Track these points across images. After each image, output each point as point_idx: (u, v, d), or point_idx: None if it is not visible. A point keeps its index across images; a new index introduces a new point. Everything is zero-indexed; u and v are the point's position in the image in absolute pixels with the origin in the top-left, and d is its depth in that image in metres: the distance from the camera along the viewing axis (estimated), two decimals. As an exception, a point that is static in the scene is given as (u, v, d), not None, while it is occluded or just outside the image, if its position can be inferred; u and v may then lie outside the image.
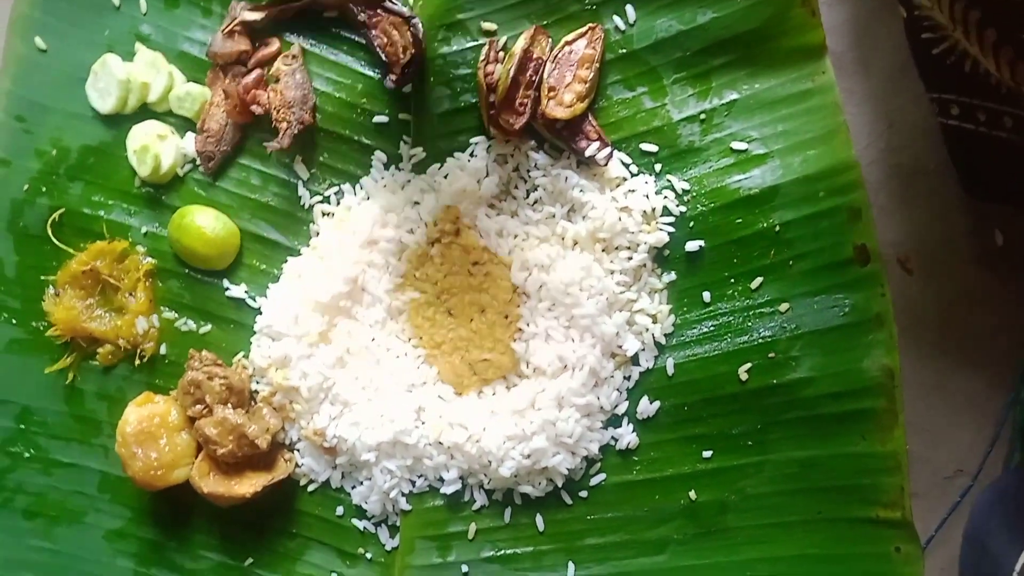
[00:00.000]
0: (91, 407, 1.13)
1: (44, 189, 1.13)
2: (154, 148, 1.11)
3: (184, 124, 1.13)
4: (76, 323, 1.12)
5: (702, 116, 1.06)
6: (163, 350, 1.13)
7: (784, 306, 1.01)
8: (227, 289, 1.13)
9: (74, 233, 1.13)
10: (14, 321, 1.13)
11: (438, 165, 1.09)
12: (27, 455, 1.11)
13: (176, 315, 1.13)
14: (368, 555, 1.09)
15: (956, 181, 1.06)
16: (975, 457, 1.04)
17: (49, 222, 1.12)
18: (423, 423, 1.06)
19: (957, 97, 1.00)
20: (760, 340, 1.01)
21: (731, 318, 1.03)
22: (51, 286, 1.13)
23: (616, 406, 1.05)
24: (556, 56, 1.06)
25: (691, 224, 1.06)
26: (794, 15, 1.02)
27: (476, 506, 1.07)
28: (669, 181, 1.06)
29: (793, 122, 1.03)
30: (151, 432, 1.06)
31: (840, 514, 0.98)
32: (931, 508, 0.97)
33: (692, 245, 1.05)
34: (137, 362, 1.12)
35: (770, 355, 1.01)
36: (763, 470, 1.01)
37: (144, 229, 1.13)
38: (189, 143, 1.12)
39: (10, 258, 1.13)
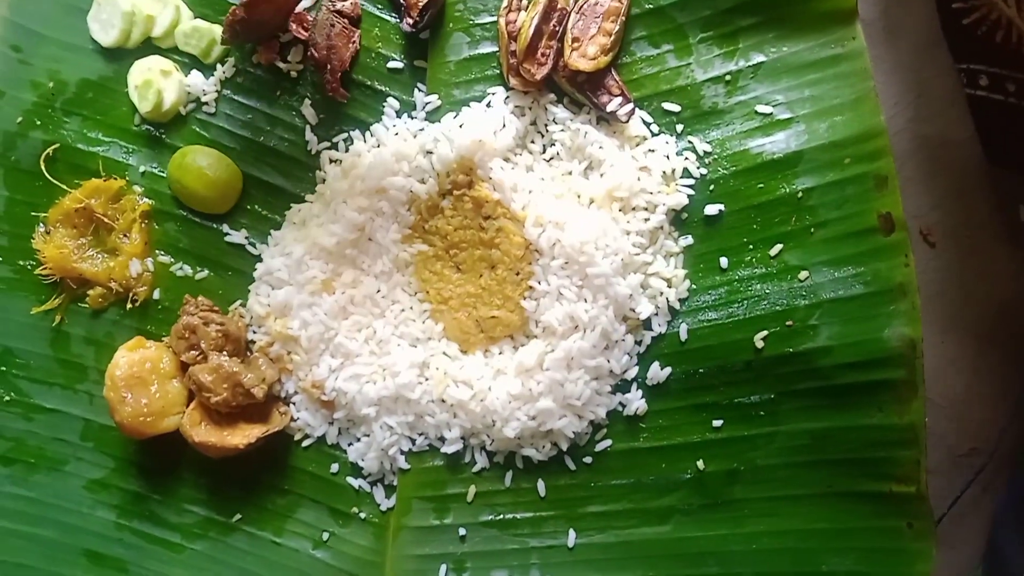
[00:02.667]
0: (77, 351, 1.08)
1: (38, 122, 1.09)
2: (157, 84, 1.06)
3: (190, 61, 1.09)
4: (66, 263, 1.07)
5: (727, 77, 1.03)
6: (156, 295, 1.08)
7: (804, 274, 0.98)
8: (227, 234, 1.08)
9: (68, 170, 1.08)
10: (1, 258, 1.08)
11: (453, 114, 1.06)
12: (7, 398, 1.06)
13: (172, 259, 1.09)
14: (362, 515, 1.06)
15: (982, 155, 1.04)
16: (991, 435, 1.02)
17: (43, 157, 1.08)
18: (426, 379, 1.02)
19: (987, 67, 0.98)
20: (778, 308, 0.99)
21: (748, 285, 1.01)
22: (42, 223, 1.08)
23: (626, 371, 1.02)
24: (581, 7, 1.03)
25: (711, 187, 1.03)
26: (826, -22, 0.99)
27: (476, 468, 1.04)
28: (690, 142, 1.04)
29: (820, 87, 1.00)
30: (142, 377, 1.01)
31: (851, 488, 0.96)
32: (944, 486, 0.95)
33: (711, 209, 1.02)
34: (128, 306, 1.08)
35: (787, 323, 0.98)
36: (774, 441, 0.98)
37: (142, 168, 1.09)
38: (194, 80, 1.07)
39: (0, 193, 1.08)
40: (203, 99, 1.08)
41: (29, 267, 1.08)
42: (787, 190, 1.00)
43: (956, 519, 1.00)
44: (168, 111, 1.07)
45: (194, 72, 1.08)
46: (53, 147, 1.08)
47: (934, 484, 0.93)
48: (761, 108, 1.02)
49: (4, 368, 1.07)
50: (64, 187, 1.08)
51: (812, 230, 0.99)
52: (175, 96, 1.06)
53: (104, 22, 1.08)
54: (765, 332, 0.98)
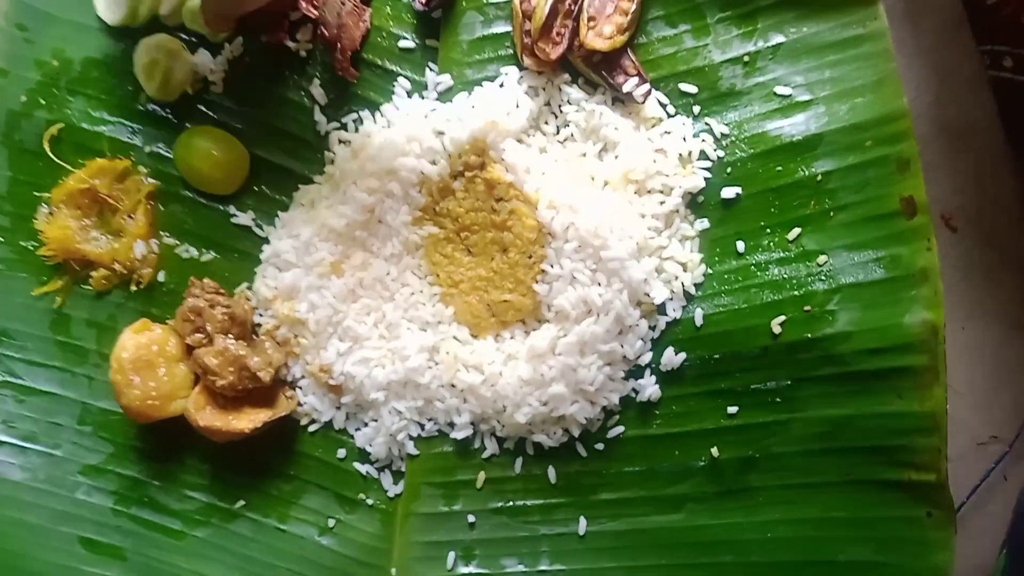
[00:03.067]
0: (78, 334, 1.06)
1: (43, 101, 1.07)
2: (164, 63, 1.04)
3: (197, 40, 1.07)
4: (69, 244, 1.06)
5: (745, 58, 1.01)
6: (161, 277, 1.06)
7: (822, 258, 0.96)
8: (233, 216, 1.07)
9: (72, 149, 1.07)
10: (2, 239, 1.06)
11: (466, 94, 1.04)
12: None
13: (177, 241, 1.07)
14: (369, 501, 1.04)
15: (1004, 140, 1.02)
16: (1012, 424, 1.00)
17: (47, 136, 1.06)
18: (436, 364, 1.00)
19: (1011, 49, 0.96)
20: (795, 293, 0.97)
21: (766, 269, 0.99)
22: (45, 204, 1.06)
23: (639, 356, 1.00)
24: (597, -15, 1.00)
25: (728, 170, 1.01)
26: (848, -43, 0.97)
27: (486, 454, 1.02)
28: (707, 124, 1.02)
29: (841, 68, 0.98)
30: (149, 360, 0.99)
31: (870, 476, 0.94)
32: (963, 474, 0.93)
33: (728, 192, 1.00)
34: (133, 288, 1.06)
35: (805, 308, 0.96)
36: (791, 428, 0.96)
37: (148, 149, 1.07)
38: (201, 59, 1.05)
39: (3, 172, 1.06)
40: (210, 79, 1.06)
41: (31, 248, 1.06)
42: (806, 173, 0.98)
43: (976, 507, 0.98)
44: (174, 90, 1.05)
45: (201, 51, 1.06)
46: (57, 127, 1.06)
47: (953, 472, 0.91)
48: (780, 89, 1.00)
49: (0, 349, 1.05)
50: (68, 167, 1.06)
51: (831, 214, 0.97)
52: (182, 76, 1.04)
53: (110, 0, 1.06)
54: (783, 317, 0.96)
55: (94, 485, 1.04)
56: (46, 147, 1.06)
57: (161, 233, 1.07)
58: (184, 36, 1.07)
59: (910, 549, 0.92)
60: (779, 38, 1.00)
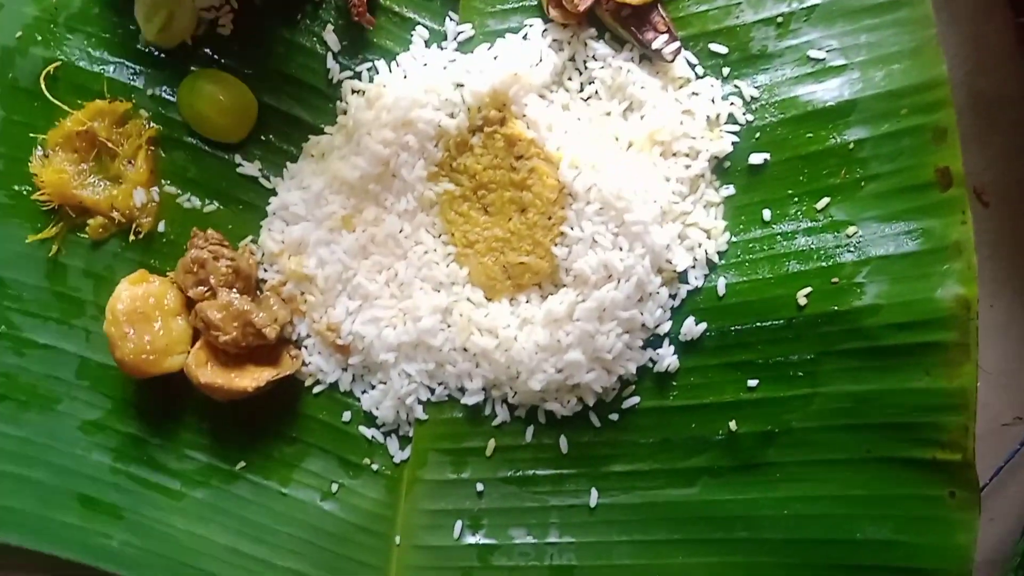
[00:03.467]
0: (75, 284, 1.02)
1: (39, 38, 1.01)
2: (166, 6, 0.98)
3: (204, -23, 1.01)
4: (66, 189, 1.01)
5: (779, 19, 0.97)
6: (161, 227, 1.02)
7: (852, 229, 0.94)
8: (239, 165, 1.02)
9: (70, 90, 1.01)
10: (-6, 182, 1.01)
11: (487, 45, 1.00)
12: (-3, 330, 1.00)
13: (179, 190, 1.03)
14: (374, 466, 1.01)
15: (1040, 114, 1.00)
16: (1038, 405, 0.98)
17: (43, 75, 1.01)
18: (449, 326, 0.97)
19: (1050, 24, 0.93)
20: (823, 264, 0.94)
21: (792, 239, 0.96)
22: (40, 146, 1.01)
23: (659, 325, 0.97)
24: (629, -64, 0.96)
25: (757, 135, 0.98)
26: (891, -83, 0.94)
27: (497, 421, 0.99)
28: (737, 87, 0.98)
29: (878, 33, 0.95)
30: (145, 312, 0.95)
31: (893, 454, 0.92)
32: (985, 455, 0.91)
33: (756, 158, 0.97)
34: (131, 238, 1.02)
35: (833, 280, 0.93)
36: (812, 403, 0.94)
37: (150, 91, 1.02)
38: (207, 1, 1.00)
39: (-5, 112, 1.01)
40: (219, 21, 1.01)
41: (25, 192, 1.01)
42: (838, 141, 0.95)
43: (997, 490, 0.96)
44: (175, 36, 1.00)
45: None
46: (54, 65, 1.01)
47: (978, 452, 0.89)
48: (813, 53, 0.96)
49: (-4, 299, 1.00)
50: (65, 108, 1.01)
51: (863, 184, 0.94)
52: (185, 22, 0.99)
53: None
54: (808, 289, 0.94)
55: (93, 441, 1.01)
56: (42, 86, 1.01)
57: (162, 181, 1.03)
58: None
59: (931, 529, 0.90)
60: (815, -1, 0.97)
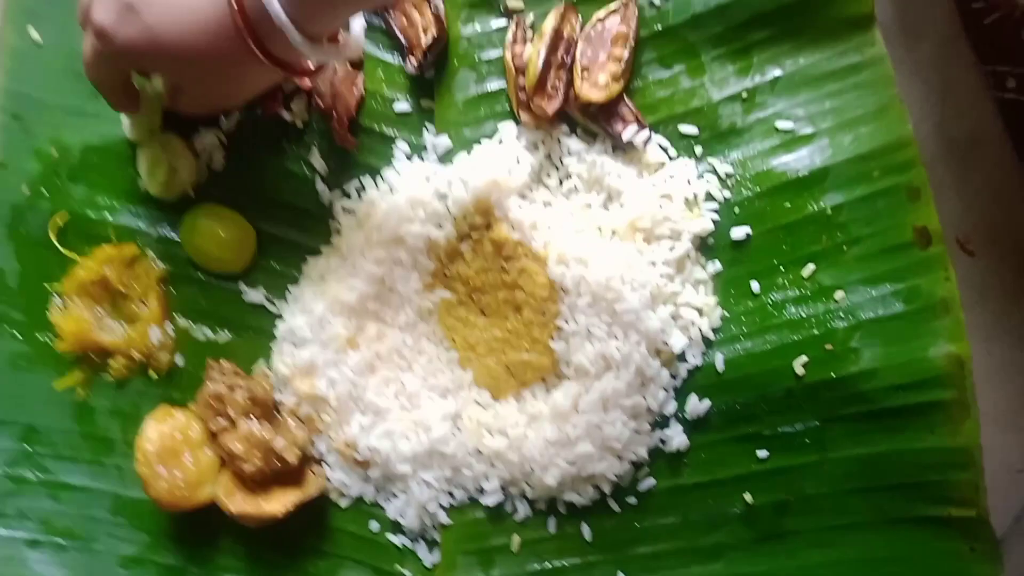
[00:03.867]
0: (103, 424, 1.06)
1: (45, 192, 1.06)
2: (166, 163, 1.03)
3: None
4: (85, 335, 1.05)
5: (743, 95, 1.00)
6: (179, 361, 1.06)
7: (839, 294, 0.95)
8: (244, 293, 1.06)
9: (79, 238, 1.06)
10: (18, 334, 1.06)
11: (465, 154, 1.03)
12: (33, 479, 1.04)
13: (191, 323, 1.07)
14: (407, 572, 1.03)
15: (1013, 153, 1.00)
16: (1047, 445, 0.99)
17: (52, 227, 1.06)
18: (460, 431, 1.00)
19: (1013, 69, 0.94)
20: (815, 331, 0.96)
21: (783, 309, 0.97)
22: (57, 295, 1.06)
23: (664, 406, 0.99)
24: (588, 35, 1.00)
25: (736, 210, 1.00)
26: (840, -16, 0.96)
27: (519, 517, 1.01)
28: (711, 164, 1.01)
29: (842, 98, 0.97)
30: (173, 448, 0.99)
31: (908, 513, 0.93)
32: (1000, 504, 0.91)
33: (738, 232, 0.99)
34: (152, 375, 1.06)
35: (827, 347, 0.95)
36: (823, 469, 0.95)
37: (154, 232, 1.07)
38: (206, 141, 1.05)
39: (11, 266, 1.06)
40: (212, 157, 1.06)
41: (48, 341, 1.06)
42: (815, 208, 0.97)
43: (1017, 535, 0.96)
44: (176, 189, 1.05)
45: (206, 133, 1.05)
46: (62, 216, 1.06)
47: (990, 500, 0.90)
48: (781, 124, 0.99)
49: (28, 447, 1.05)
50: (76, 257, 1.06)
51: (845, 247, 0.96)
52: (185, 175, 1.04)
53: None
54: (805, 358, 0.95)
55: (134, 575, 1.04)
56: (52, 238, 1.06)
57: (175, 316, 1.07)
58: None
59: (955, 585, 0.91)
60: (776, 71, 0.99)
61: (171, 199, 1.06)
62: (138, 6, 0.83)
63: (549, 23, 0.98)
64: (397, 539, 1.03)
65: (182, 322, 1.07)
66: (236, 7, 0.82)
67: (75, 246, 1.06)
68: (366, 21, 1.05)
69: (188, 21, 0.84)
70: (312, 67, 0.93)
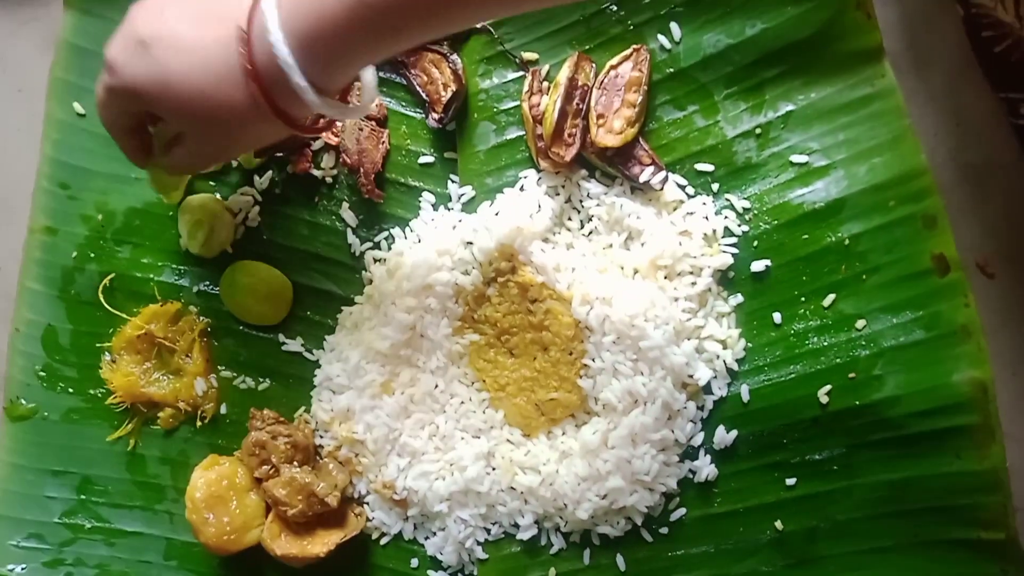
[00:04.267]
0: (154, 472, 1.11)
1: (92, 255, 1.12)
2: (207, 223, 1.09)
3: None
4: (135, 388, 1.11)
5: (757, 131, 1.02)
6: (223, 410, 1.11)
7: (861, 323, 0.97)
8: (283, 344, 1.11)
9: (126, 297, 1.12)
10: (71, 390, 1.12)
11: (488, 202, 1.07)
12: (88, 526, 1.09)
13: (234, 373, 1.12)
14: (447, 606, 1.07)
15: (1031, 179, 1.02)
16: (1077, 467, 0.99)
17: (100, 288, 1.11)
18: (493, 469, 1.03)
19: (1025, 95, 0.96)
20: (838, 360, 0.97)
21: (805, 339, 0.99)
22: (107, 352, 1.12)
23: (692, 438, 1.01)
24: (602, 82, 1.03)
25: (755, 243, 1.02)
26: (848, 19, 0.98)
27: (554, 550, 1.04)
28: (728, 200, 1.03)
29: (855, 130, 0.99)
30: (221, 496, 1.04)
31: (938, 536, 0.94)
32: (1032, 525, 0.92)
33: (758, 265, 1.01)
34: (198, 424, 1.11)
35: (850, 375, 0.96)
36: (852, 495, 0.96)
37: (195, 288, 1.12)
38: (241, 199, 1.10)
39: (64, 326, 1.12)
40: (248, 215, 1.11)
41: (100, 396, 1.11)
42: (833, 239, 0.99)
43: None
44: (216, 248, 1.10)
45: (242, 192, 1.10)
46: (109, 277, 1.12)
47: (1021, 522, 0.91)
48: (796, 158, 1.01)
49: (84, 496, 1.10)
50: (124, 315, 1.11)
51: (864, 277, 0.97)
52: (224, 235, 1.09)
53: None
54: (828, 386, 0.97)
55: (186, 618, 1.09)
56: (100, 298, 1.11)
57: (218, 367, 1.12)
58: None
59: (990, 608, 0.92)
60: (788, 107, 1.01)
61: (210, 256, 1.11)
62: (150, 43, 0.81)
63: (564, 73, 1.02)
64: (437, 575, 1.07)
65: (225, 373, 1.12)
66: (246, 55, 0.79)
67: (122, 305, 1.12)
68: (388, 78, 1.10)
69: (198, 63, 0.80)
70: (320, 124, 0.91)
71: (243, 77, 0.80)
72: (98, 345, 1.12)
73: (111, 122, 0.93)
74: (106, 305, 1.12)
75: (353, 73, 0.84)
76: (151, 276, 1.12)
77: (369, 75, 0.89)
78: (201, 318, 1.12)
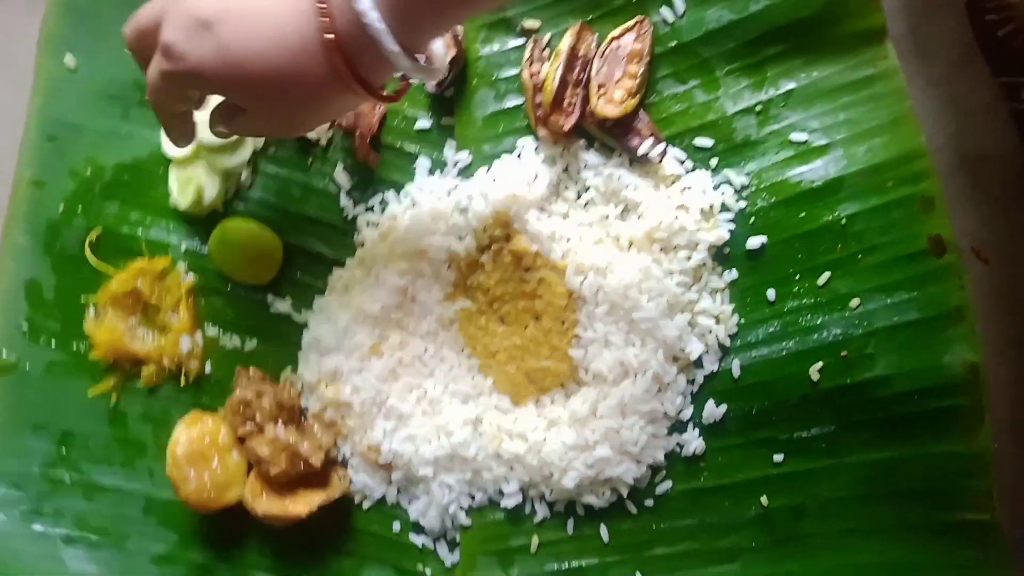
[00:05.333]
0: (135, 429, 1.10)
1: (80, 209, 1.11)
2: (197, 182, 1.07)
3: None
4: (118, 344, 1.09)
5: (758, 108, 1.02)
6: (208, 369, 1.10)
7: (855, 302, 0.97)
8: (271, 304, 1.10)
9: (113, 252, 1.11)
10: (54, 344, 1.10)
11: (485, 169, 1.06)
12: (68, 480, 1.08)
13: (220, 332, 1.10)
14: (428, 572, 1.06)
15: (1028, 165, 1.02)
16: (1062, 454, 0.99)
17: (87, 242, 1.10)
18: (480, 435, 1.02)
19: (1027, 79, 0.96)
20: (830, 338, 0.97)
21: (798, 316, 0.99)
22: (91, 307, 1.10)
23: (681, 411, 1.01)
24: (603, 52, 1.02)
25: (751, 220, 1.02)
26: (852, 0, 0.98)
27: (538, 518, 1.04)
28: (726, 176, 1.03)
29: (855, 110, 0.99)
30: (203, 452, 1.03)
31: (922, 519, 0.94)
32: (1016, 510, 0.93)
33: (754, 242, 1.01)
34: (182, 382, 1.10)
35: (842, 354, 0.96)
36: (839, 474, 0.97)
37: (184, 246, 1.11)
38: (233, 161, 1.08)
39: (48, 280, 1.10)
40: (241, 173, 1.09)
41: (83, 350, 1.10)
42: (830, 218, 0.99)
43: (1030, 543, 0.97)
44: (206, 208, 1.09)
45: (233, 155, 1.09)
46: (96, 232, 1.10)
47: (1005, 509, 0.91)
48: (796, 136, 1.01)
49: (65, 450, 1.09)
50: (110, 270, 1.10)
51: (860, 256, 0.97)
52: (214, 195, 1.08)
53: None
54: (820, 364, 0.97)
55: (164, 573, 1.07)
56: (87, 253, 1.10)
57: (204, 326, 1.10)
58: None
59: (971, 592, 0.92)
60: (790, 85, 1.01)
61: (200, 214, 1.09)
62: (215, 22, 0.75)
63: (565, 42, 1.01)
64: (418, 539, 1.06)
65: (211, 332, 1.10)
66: (329, 23, 0.74)
67: (109, 260, 1.10)
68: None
69: (268, 38, 0.75)
70: (394, 93, 0.87)
71: (322, 48, 0.75)
72: (83, 300, 1.10)
73: (164, 107, 0.89)
74: (92, 259, 1.10)
75: (438, 34, 0.82)
76: (139, 232, 1.11)
77: (438, 42, 0.87)
78: (189, 276, 1.11)
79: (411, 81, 0.85)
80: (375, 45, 0.75)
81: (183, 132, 0.95)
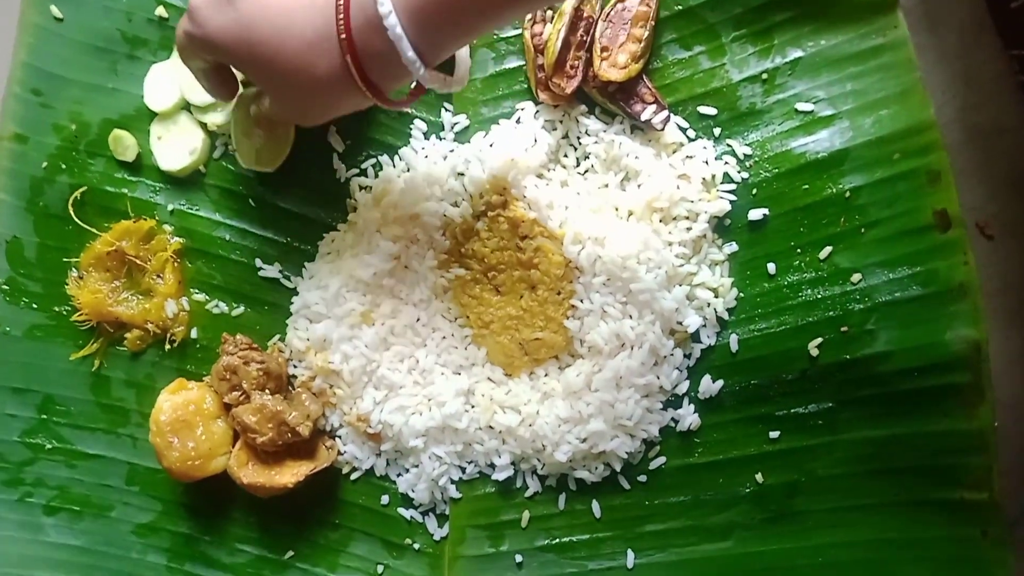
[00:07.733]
0: (118, 395, 1.07)
1: (64, 166, 1.07)
2: (177, 139, 1.04)
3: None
4: (102, 307, 1.06)
5: (764, 76, 1.00)
6: (194, 334, 1.07)
7: (856, 276, 0.95)
8: (260, 269, 1.07)
9: (97, 212, 1.07)
10: (36, 306, 1.07)
11: (482, 133, 1.03)
12: (49, 446, 1.06)
13: (207, 297, 1.08)
14: (416, 545, 1.04)
15: (1038, 141, 1.00)
16: (1063, 433, 0.98)
17: (70, 201, 1.06)
18: (473, 407, 1.00)
19: (1039, 53, 0.94)
20: (831, 313, 0.95)
21: (799, 290, 0.97)
22: (74, 268, 1.07)
23: (676, 386, 0.99)
24: (608, 14, 0.99)
25: (754, 191, 1.00)
26: (863, -34, 0.95)
27: (529, 493, 1.02)
28: (729, 146, 1.00)
29: (863, 80, 0.96)
30: (187, 420, 1.00)
31: (920, 496, 0.93)
32: (1015, 488, 0.91)
33: (755, 214, 0.99)
34: (167, 347, 1.07)
35: (842, 329, 0.95)
36: (835, 451, 0.95)
37: (170, 207, 1.07)
38: (219, 119, 1.05)
39: (30, 239, 1.07)
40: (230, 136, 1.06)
41: (65, 313, 1.07)
42: (834, 190, 0.96)
43: (1031, 522, 0.96)
44: (188, 167, 1.05)
45: (220, 113, 1.05)
46: (80, 190, 1.07)
47: (1004, 487, 0.90)
48: (801, 106, 0.98)
49: (46, 416, 1.06)
50: (94, 231, 1.07)
51: (863, 230, 0.95)
52: (198, 155, 1.04)
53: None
54: (819, 339, 0.95)
55: (147, 543, 1.05)
56: (71, 211, 1.07)
57: (190, 290, 1.07)
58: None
59: (968, 569, 0.91)
60: (797, 53, 0.99)
61: (184, 175, 1.06)
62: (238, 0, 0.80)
63: (569, 3, 0.98)
64: (407, 512, 1.04)
65: (197, 296, 1.07)
66: (345, 22, 0.76)
67: (93, 220, 1.07)
68: None
69: (287, 26, 0.78)
70: (404, 99, 0.88)
71: (336, 46, 0.78)
72: (65, 260, 1.07)
73: (189, 63, 0.92)
74: (76, 219, 1.07)
75: (455, 48, 0.83)
76: (124, 191, 1.08)
77: (464, 49, 0.88)
78: (175, 238, 1.08)
79: (427, 87, 0.85)
80: (389, 51, 0.77)
81: (216, 86, 0.96)
